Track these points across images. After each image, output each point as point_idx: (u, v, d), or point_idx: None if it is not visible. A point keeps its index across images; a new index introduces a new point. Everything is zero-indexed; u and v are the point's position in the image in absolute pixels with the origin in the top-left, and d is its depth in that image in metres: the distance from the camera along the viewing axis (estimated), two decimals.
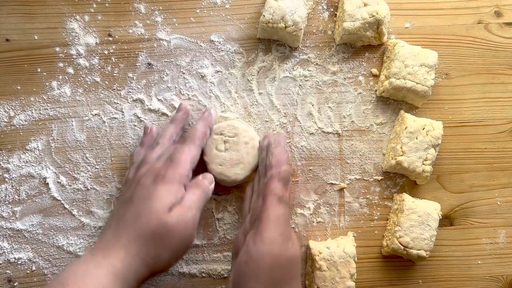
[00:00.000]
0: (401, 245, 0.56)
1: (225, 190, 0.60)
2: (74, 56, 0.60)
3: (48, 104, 0.59)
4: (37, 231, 0.58)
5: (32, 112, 0.59)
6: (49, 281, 0.58)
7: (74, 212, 0.59)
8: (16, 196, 0.58)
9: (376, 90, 0.61)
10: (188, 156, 0.52)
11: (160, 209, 0.48)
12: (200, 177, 0.53)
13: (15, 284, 0.58)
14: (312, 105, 0.61)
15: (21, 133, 0.59)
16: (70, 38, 0.60)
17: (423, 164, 0.57)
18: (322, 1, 0.62)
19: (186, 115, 0.57)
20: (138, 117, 0.60)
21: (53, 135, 0.59)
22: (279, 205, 0.49)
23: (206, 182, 0.53)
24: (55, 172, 0.59)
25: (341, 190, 0.61)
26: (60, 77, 0.60)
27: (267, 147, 0.55)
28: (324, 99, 0.61)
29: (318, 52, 0.61)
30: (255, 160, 0.56)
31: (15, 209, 0.58)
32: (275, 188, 0.49)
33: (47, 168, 0.59)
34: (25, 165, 0.59)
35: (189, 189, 0.51)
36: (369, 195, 0.61)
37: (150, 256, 0.47)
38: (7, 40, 0.59)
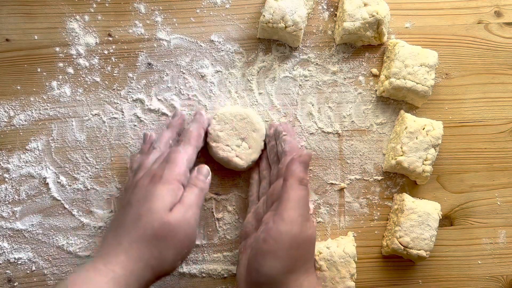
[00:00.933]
0: (401, 245, 0.56)
1: (225, 190, 0.60)
2: (74, 56, 0.60)
3: (48, 104, 0.59)
4: (37, 231, 0.58)
5: (32, 112, 0.59)
6: None
7: (74, 212, 0.59)
8: (16, 196, 0.58)
9: (376, 90, 0.61)
10: (184, 155, 0.52)
11: (161, 209, 0.48)
12: (195, 172, 0.53)
13: (15, 284, 0.58)
14: (312, 105, 0.61)
15: (21, 133, 0.59)
16: (70, 38, 0.60)
17: (423, 164, 0.57)
18: (322, 1, 0.61)
19: (182, 120, 0.57)
20: (138, 117, 0.60)
21: (53, 135, 0.59)
22: (300, 187, 0.49)
23: (202, 177, 0.53)
24: (55, 172, 0.59)
25: (341, 190, 0.61)
26: (60, 77, 0.60)
27: (275, 135, 0.56)
28: (324, 99, 0.61)
29: (318, 52, 0.61)
30: (259, 147, 0.57)
31: (15, 209, 0.58)
32: (296, 170, 0.49)
33: (47, 168, 0.59)
34: (25, 165, 0.59)
35: (187, 188, 0.51)
36: (369, 195, 0.61)
37: (153, 258, 0.47)
38: (7, 40, 0.59)
